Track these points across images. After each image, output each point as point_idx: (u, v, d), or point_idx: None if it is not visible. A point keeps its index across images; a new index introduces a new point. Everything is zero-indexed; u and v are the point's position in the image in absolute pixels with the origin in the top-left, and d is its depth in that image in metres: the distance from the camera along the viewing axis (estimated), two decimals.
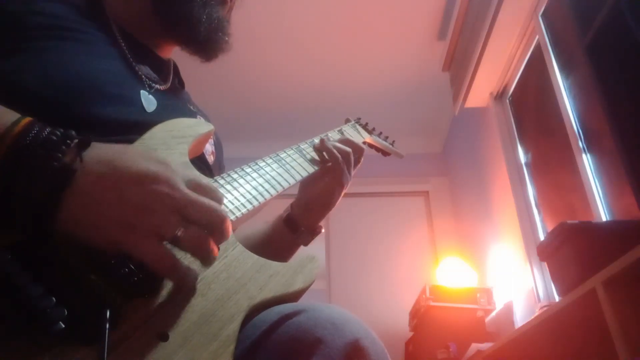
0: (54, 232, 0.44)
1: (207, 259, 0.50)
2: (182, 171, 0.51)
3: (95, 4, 0.76)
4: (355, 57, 3.03)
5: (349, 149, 0.88)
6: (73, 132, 0.47)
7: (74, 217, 0.44)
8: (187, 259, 0.50)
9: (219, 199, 0.52)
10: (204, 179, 0.53)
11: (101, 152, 0.48)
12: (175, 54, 0.88)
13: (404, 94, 3.31)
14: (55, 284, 0.43)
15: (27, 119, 0.46)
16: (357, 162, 0.91)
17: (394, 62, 3.06)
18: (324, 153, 0.86)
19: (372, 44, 2.93)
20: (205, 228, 0.49)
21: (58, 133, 0.46)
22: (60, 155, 0.45)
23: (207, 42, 0.81)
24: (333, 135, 0.95)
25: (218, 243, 0.50)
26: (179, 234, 0.47)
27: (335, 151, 0.85)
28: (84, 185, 0.45)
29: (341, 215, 3.38)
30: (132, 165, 0.47)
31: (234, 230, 0.64)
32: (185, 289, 0.51)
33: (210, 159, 0.80)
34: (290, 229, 0.86)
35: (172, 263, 0.47)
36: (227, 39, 0.84)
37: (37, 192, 0.43)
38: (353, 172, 0.89)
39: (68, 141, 0.46)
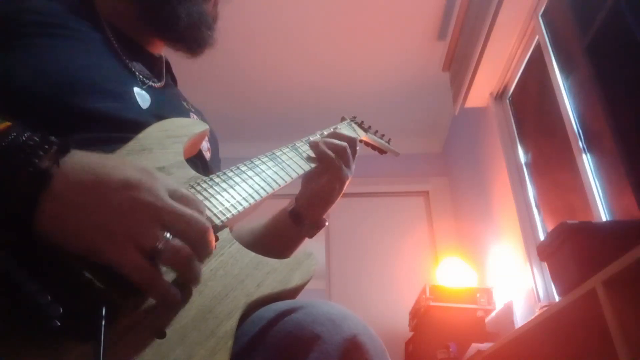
0: (35, 236, 0.43)
1: (188, 276, 0.48)
2: (164, 180, 0.50)
3: (86, 1, 0.76)
4: (355, 57, 3.03)
5: (344, 144, 0.86)
6: (52, 138, 0.46)
7: (51, 222, 0.43)
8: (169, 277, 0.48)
9: (201, 211, 0.50)
10: (186, 190, 0.51)
11: (81, 158, 0.47)
12: (172, 52, 0.88)
13: (404, 94, 3.31)
14: (51, 282, 0.43)
15: (5, 124, 0.45)
16: (352, 153, 0.89)
17: (394, 62, 3.06)
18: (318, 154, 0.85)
19: (372, 44, 2.93)
20: (187, 241, 0.47)
21: (36, 138, 0.45)
22: (36, 160, 0.44)
23: (188, 38, 0.80)
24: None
25: (201, 257, 0.49)
26: (160, 246, 0.45)
27: (328, 151, 0.83)
28: (61, 190, 0.44)
29: (341, 215, 3.38)
30: (113, 172, 0.46)
31: (230, 228, 0.64)
32: (166, 305, 0.48)
33: (207, 155, 0.80)
34: (295, 221, 0.86)
35: (152, 277, 0.45)
36: (210, 33, 0.82)
37: (12, 195, 0.42)
38: (353, 166, 0.88)
39: (46, 146, 0.45)
